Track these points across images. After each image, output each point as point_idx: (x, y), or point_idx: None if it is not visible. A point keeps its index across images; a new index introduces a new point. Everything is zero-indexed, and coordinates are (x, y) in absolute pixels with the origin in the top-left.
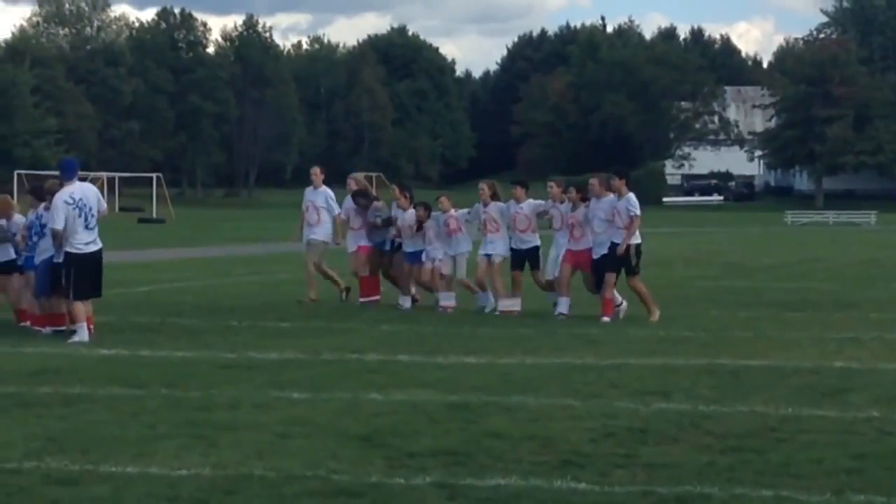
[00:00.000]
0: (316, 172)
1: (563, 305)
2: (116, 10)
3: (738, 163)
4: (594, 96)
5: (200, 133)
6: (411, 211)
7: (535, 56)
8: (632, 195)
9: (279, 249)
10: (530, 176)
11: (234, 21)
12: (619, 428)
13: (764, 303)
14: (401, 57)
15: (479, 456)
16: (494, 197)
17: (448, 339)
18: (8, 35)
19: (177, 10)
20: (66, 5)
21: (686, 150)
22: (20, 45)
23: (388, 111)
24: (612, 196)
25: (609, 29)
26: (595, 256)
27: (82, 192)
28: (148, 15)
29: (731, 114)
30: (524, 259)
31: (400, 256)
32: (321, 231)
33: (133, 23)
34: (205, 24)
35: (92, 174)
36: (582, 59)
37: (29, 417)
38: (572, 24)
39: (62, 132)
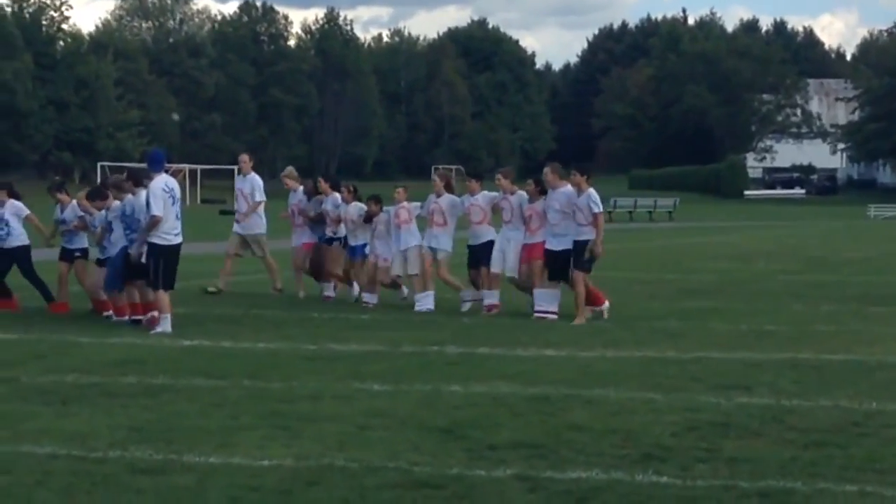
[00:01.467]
0: (245, 159)
1: (546, 300)
2: (199, 3)
3: (821, 156)
4: (675, 89)
5: (281, 126)
6: (354, 204)
7: (615, 48)
8: (593, 191)
9: None
10: (611, 169)
11: (315, 14)
12: (701, 422)
13: (847, 297)
14: (481, 49)
15: (560, 449)
16: (448, 188)
17: (528, 331)
18: (92, 28)
19: (259, 4)
20: None
21: (768, 143)
22: (104, 38)
23: (468, 104)
24: (568, 187)
25: (690, 21)
26: (550, 248)
27: (173, 182)
28: (230, 8)
29: (814, 107)
30: (479, 256)
31: (333, 250)
32: (255, 224)
33: (215, 16)
34: (286, 17)
35: (174, 166)
36: (663, 51)
37: (114, 407)
38: (653, 17)
39: (145, 124)
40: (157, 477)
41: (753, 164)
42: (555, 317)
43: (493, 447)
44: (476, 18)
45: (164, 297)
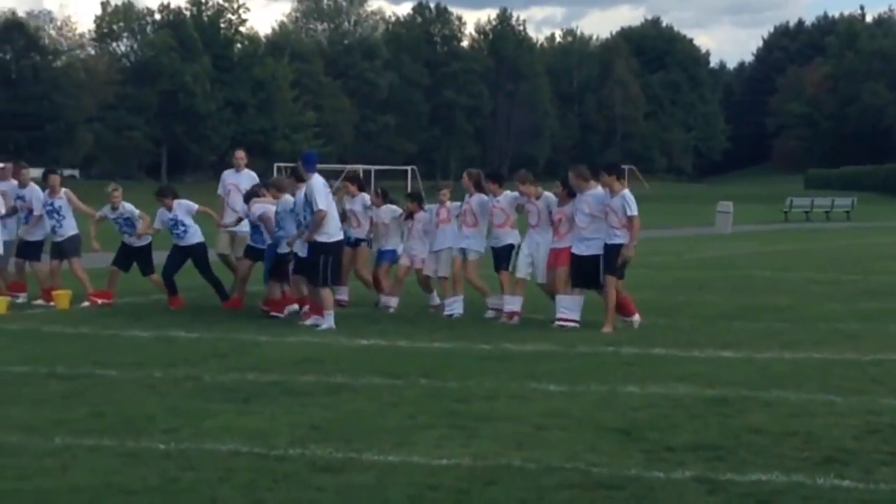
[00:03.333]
0: (241, 156)
1: (569, 306)
2: (373, 4)
3: None
4: (852, 87)
5: (454, 126)
6: (386, 207)
7: (791, 46)
8: (627, 192)
9: None
10: (788, 168)
11: (488, 14)
12: (883, 425)
13: None
14: (654, 49)
15: (739, 451)
16: (478, 188)
17: (704, 332)
18: (269, 30)
19: (432, 5)
20: (325, 1)
21: None
22: (280, 41)
23: (641, 103)
24: (598, 190)
25: (868, 18)
26: (577, 252)
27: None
28: (404, 9)
29: None
30: (499, 258)
31: (361, 251)
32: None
33: (389, 17)
34: (459, 18)
35: (348, 167)
36: (840, 49)
37: (294, 405)
38: (830, 14)
39: (320, 126)
40: (337, 475)
41: None
42: (576, 324)
43: (672, 449)
44: (649, 17)
45: (328, 294)
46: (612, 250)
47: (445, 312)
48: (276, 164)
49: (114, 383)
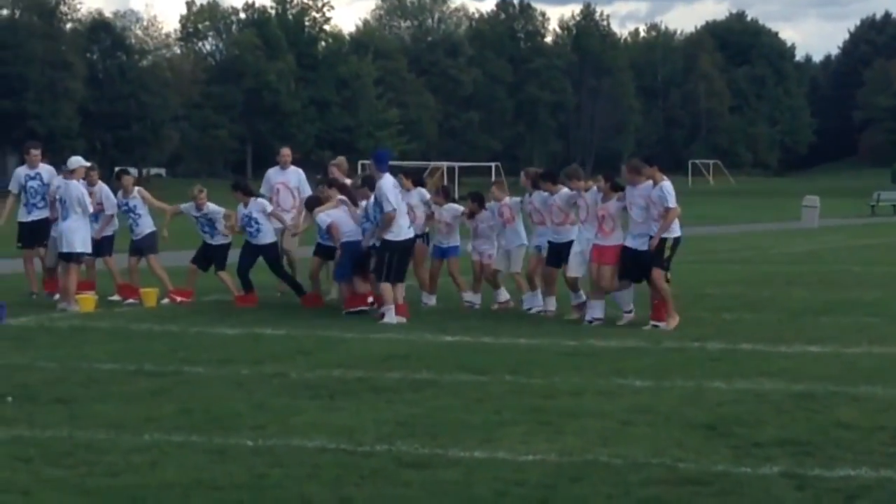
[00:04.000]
0: (287, 153)
1: (598, 310)
2: (456, 1)
3: None
4: None
5: (538, 122)
6: (449, 206)
7: (878, 39)
8: (667, 183)
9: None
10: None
11: (571, 10)
12: None
13: None
14: (739, 42)
15: (827, 446)
16: (535, 186)
17: (791, 327)
18: (352, 28)
19: (516, 1)
20: None
21: None
22: (364, 38)
23: (726, 98)
24: (649, 183)
25: None
26: (632, 246)
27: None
28: (487, 6)
29: None
30: (559, 253)
31: (419, 249)
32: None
33: (473, 14)
34: (543, 14)
35: (432, 164)
36: None
37: (379, 402)
38: None
39: (404, 123)
40: (423, 471)
41: None
42: (601, 321)
43: (759, 444)
44: (734, 11)
45: (388, 289)
46: (659, 243)
47: (524, 307)
48: (360, 163)
49: (201, 380)
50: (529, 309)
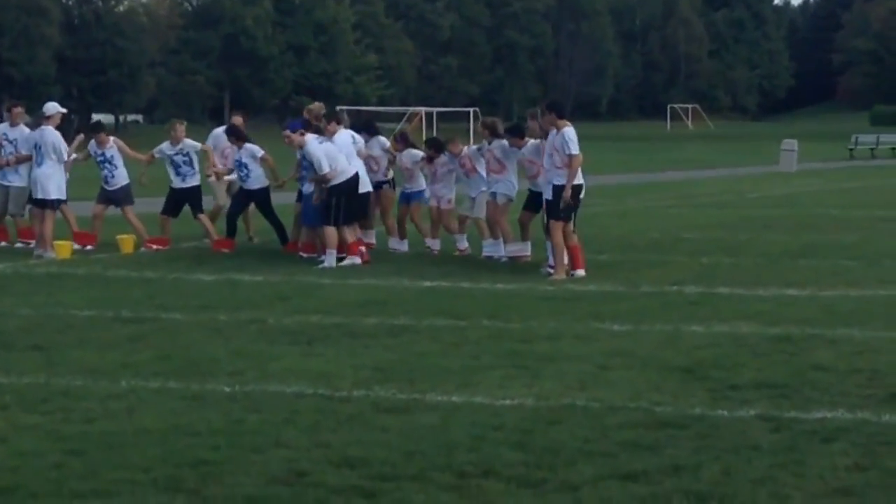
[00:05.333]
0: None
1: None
2: None
3: None
4: None
5: (516, 67)
6: (408, 151)
7: None
8: (568, 129)
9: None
10: (853, 105)
11: None
12: None
13: None
14: None
15: (803, 389)
16: (495, 135)
17: (768, 271)
18: None
19: None
20: None
21: None
22: None
23: (705, 42)
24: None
25: None
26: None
27: None
28: None
29: None
30: (538, 203)
31: (384, 194)
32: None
33: None
34: None
35: (410, 109)
36: None
37: (357, 347)
38: None
39: (382, 68)
40: (401, 416)
41: None
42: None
43: (736, 387)
44: None
45: (332, 232)
46: (556, 192)
47: (484, 254)
48: (338, 108)
49: (179, 326)
50: (490, 256)
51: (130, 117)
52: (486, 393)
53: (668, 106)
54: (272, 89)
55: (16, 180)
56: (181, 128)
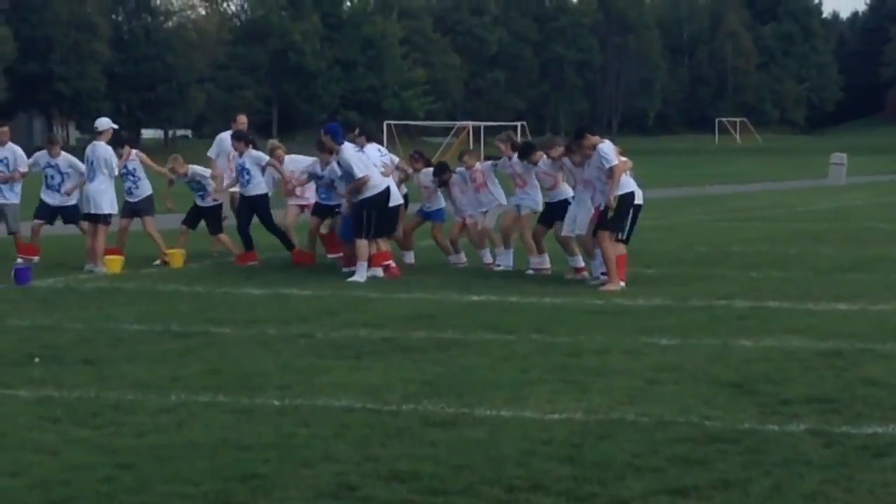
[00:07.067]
0: (243, 121)
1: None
2: None
3: None
4: None
5: (563, 81)
6: (425, 171)
7: None
8: (602, 146)
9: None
10: None
11: None
12: None
13: None
14: (766, 0)
15: (854, 404)
16: (516, 150)
17: (818, 284)
18: None
19: None
20: None
21: None
22: None
23: (753, 55)
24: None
25: None
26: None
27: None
28: None
29: None
30: (552, 216)
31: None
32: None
33: None
34: None
35: (457, 123)
36: None
37: (405, 361)
38: None
39: (429, 83)
40: (450, 430)
41: None
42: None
43: (786, 402)
44: None
45: (364, 245)
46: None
47: (496, 265)
48: (385, 122)
49: (228, 341)
50: (499, 266)
51: (179, 132)
52: (534, 407)
53: (716, 119)
54: (320, 104)
55: (12, 197)
56: (179, 161)
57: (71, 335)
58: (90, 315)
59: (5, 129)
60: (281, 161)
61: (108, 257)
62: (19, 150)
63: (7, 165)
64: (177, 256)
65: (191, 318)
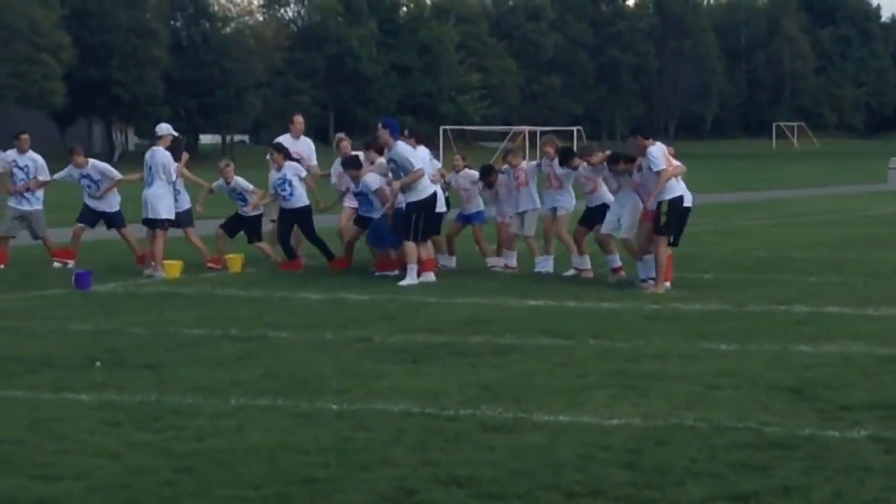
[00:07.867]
0: (300, 121)
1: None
2: None
3: None
4: None
5: (620, 86)
6: (465, 172)
7: None
8: (652, 149)
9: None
10: None
11: None
12: None
13: None
14: (823, 3)
15: None
16: (556, 152)
17: (878, 289)
18: None
19: None
20: None
21: None
22: (445, 3)
23: (810, 59)
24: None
25: None
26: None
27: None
28: None
29: None
30: (592, 219)
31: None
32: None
33: None
34: None
35: (514, 128)
36: None
37: (463, 366)
38: None
39: (485, 87)
40: (508, 435)
41: None
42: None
43: (846, 408)
44: None
45: (413, 248)
46: (660, 208)
47: (536, 270)
48: (441, 127)
49: (286, 345)
50: (539, 272)
51: (237, 137)
52: (593, 412)
53: (774, 124)
54: (376, 109)
55: (35, 203)
56: (229, 168)
57: (131, 339)
58: (150, 319)
59: (26, 136)
60: (345, 152)
61: (166, 262)
62: (40, 160)
63: (28, 173)
64: (235, 261)
65: (249, 322)
